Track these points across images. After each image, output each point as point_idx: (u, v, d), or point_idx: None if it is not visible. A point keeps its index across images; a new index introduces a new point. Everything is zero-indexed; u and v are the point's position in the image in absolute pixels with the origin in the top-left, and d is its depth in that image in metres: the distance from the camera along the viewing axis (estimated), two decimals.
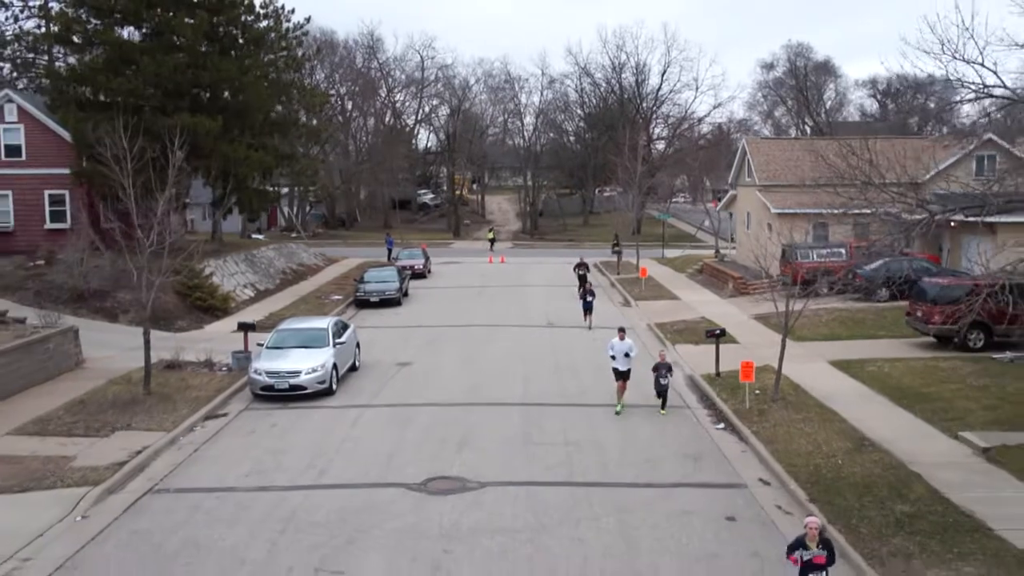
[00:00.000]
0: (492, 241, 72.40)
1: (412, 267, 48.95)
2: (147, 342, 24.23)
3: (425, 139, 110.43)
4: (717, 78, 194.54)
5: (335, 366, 24.89)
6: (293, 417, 22.65)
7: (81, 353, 27.89)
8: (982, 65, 18.22)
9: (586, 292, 36.25)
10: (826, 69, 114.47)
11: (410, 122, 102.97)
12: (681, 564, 13.97)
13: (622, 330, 24.19)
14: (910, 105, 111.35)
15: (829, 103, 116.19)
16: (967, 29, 24.26)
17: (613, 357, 23.16)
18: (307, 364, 24.13)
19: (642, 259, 51.38)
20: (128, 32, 41.44)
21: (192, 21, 38.70)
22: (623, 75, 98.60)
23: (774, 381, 23.54)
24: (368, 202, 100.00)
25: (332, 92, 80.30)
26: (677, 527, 15.32)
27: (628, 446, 19.86)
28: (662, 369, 22.81)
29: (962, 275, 33.49)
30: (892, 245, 21.45)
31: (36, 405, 22.86)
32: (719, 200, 68.87)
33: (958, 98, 25.94)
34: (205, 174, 41.27)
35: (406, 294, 43.18)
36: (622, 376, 22.99)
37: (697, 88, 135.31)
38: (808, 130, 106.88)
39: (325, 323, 26.91)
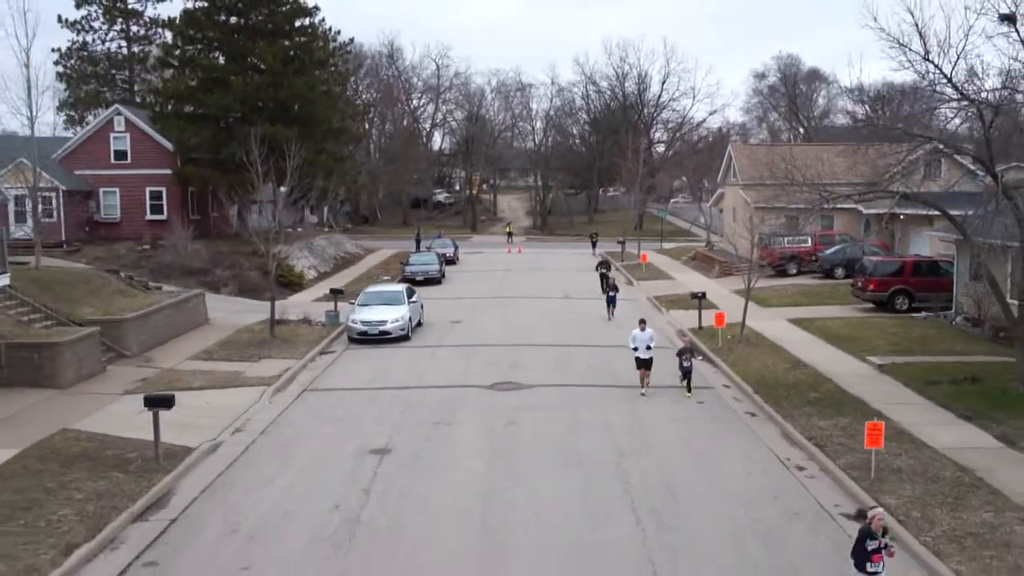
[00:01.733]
0: (509, 234, 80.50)
1: (444, 254, 57.00)
2: (272, 301, 32.48)
3: (440, 141, 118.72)
4: (712, 87, 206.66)
5: (410, 319, 33.03)
6: (385, 353, 30.78)
7: (207, 312, 35.96)
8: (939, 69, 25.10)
9: (609, 287, 38.65)
10: (817, 76, 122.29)
11: (426, 126, 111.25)
12: (669, 423, 21.94)
13: (643, 321, 25.87)
14: (897, 110, 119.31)
15: (820, 108, 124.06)
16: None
17: (635, 348, 24.65)
18: (391, 315, 32.30)
19: (643, 250, 59.46)
20: (212, 56, 49.63)
21: (272, 48, 46.91)
22: (626, 84, 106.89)
23: (739, 330, 31.61)
24: (386, 201, 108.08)
25: (358, 101, 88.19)
26: (666, 407, 23.32)
27: (632, 367, 27.84)
28: (686, 353, 24.76)
29: (898, 256, 41.56)
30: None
31: (194, 344, 30.99)
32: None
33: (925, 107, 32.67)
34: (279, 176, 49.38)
35: (443, 275, 51.27)
36: (644, 364, 24.57)
37: (694, 96, 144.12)
38: (802, 132, 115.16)
39: (401, 287, 35.22)
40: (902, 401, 23.00)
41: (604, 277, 43.18)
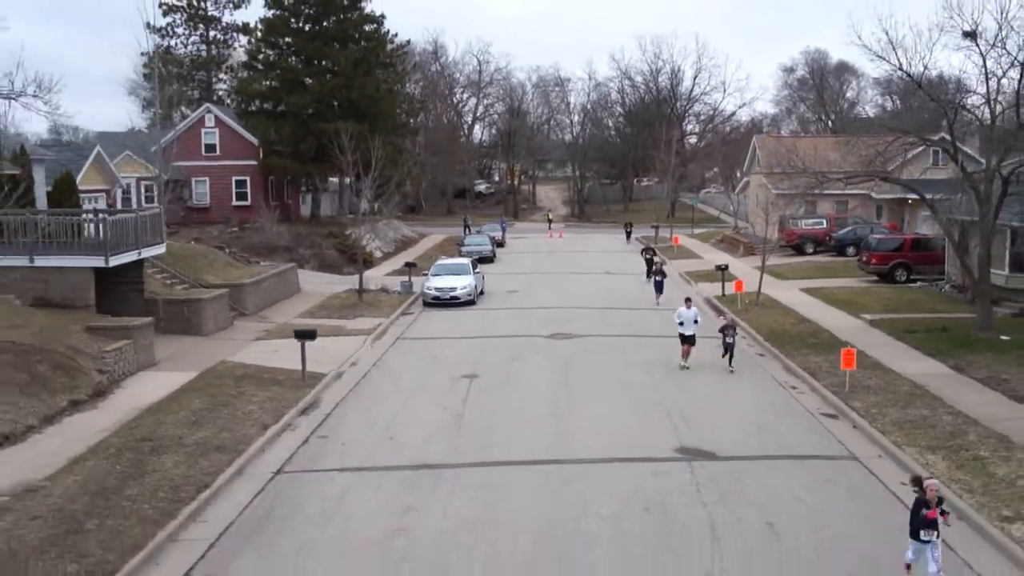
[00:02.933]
0: (550, 221, 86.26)
1: (494, 237, 62.75)
2: (361, 271, 38.51)
3: (481, 134, 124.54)
4: (742, 81, 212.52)
5: (475, 286, 38.87)
6: (456, 314, 36.68)
7: (299, 283, 42.00)
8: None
9: (656, 272, 39.98)
10: (846, 69, 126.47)
11: (468, 119, 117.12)
12: (694, 360, 27.50)
13: (688, 300, 27.35)
14: (921, 101, 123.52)
15: (848, 100, 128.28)
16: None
17: (681, 323, 26.05)
18: (460, 283, 38.19)
19: (675, 234, 64.96)
20: (291, 60, 55.82)
21: (344, 52, 52.98)
22: (659, 78, 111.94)
23: (756, 296, 37.10)
24: (430, 191, 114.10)
25: (412, 97, 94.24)
26: (694, 351, 28.86)
27: (666, 322, 33.40)
28: (728, 330, 26.00)
29: (899, 234, 46.73)
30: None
31: (297, 306, 37.04)
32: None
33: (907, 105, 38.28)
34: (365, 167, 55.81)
35: (495, 255, 57.05)
36: (688, 340, 25.97)
37: (725, 90, 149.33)
38: (830, 124, 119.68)
39: (467, 260, 41.09)
40: (882, 344, 28.46)
41: (650, 263, 44.55)
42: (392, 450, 19.08)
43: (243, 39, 62.15)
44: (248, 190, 54.90)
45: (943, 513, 12.25)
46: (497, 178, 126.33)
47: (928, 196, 31.48)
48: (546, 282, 46.05)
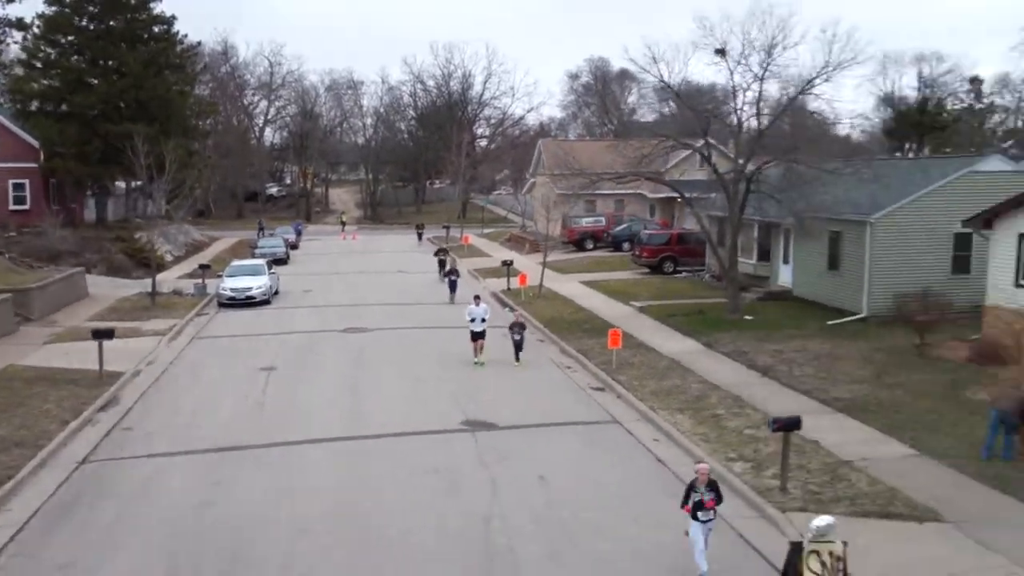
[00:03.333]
0: (343, 224, 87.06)
1: (288, 240, 63.17)
2: (153, 275, 38.47)
3: (272, 136, 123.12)
4: (530, 86, 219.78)
5: (270, 286, 39.68)
6: (253, 313, 37.41)
7: (87, 287, 41.32)
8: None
9: (450, 272, 41.30)
10: (627, 76, 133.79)
11: (259, 121, 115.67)
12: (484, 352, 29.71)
13: (477, 297, 28.67)
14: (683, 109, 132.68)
15: (629, 106, 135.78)
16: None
17: (472, 320, 27.09)
18: (255, 283, 38.91)
19: (465, 234, 67.51)
20: (75, 59, 54.15)
21: (133, 53, 52.04)
22: (451, 83, 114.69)
23: (538, 288, 39.95)
24: (218, 194, 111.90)
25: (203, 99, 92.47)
26: (486, 345, 31.09)
27: (457, 318, 35.41)
28: (516, 327, 27.25)
29: (667, 230, 51.13)
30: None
31: (87, 310, 36.64)
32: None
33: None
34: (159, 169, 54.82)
35: (289, 257, 57.59)
36: (479, 336, 27.03)
37: (513, 95, 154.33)
38: (612, 128, 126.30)
39: (261, 262, 41.74)
40: (647, 327, 31.78)
41: (443, 263, 45.77)
42: (197, 436, 20.13)
43: (17, 35, 59.40)
44: (27, 193, 52.75)
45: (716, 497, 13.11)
46: (289, 181, 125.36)
47: (687, 195, 35.19)
48: (340, 281, 47.29)
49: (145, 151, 39.55)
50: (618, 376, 24.77)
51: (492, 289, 43.30)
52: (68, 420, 20.93)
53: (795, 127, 35.26)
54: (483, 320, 27.07)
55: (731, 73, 32.70)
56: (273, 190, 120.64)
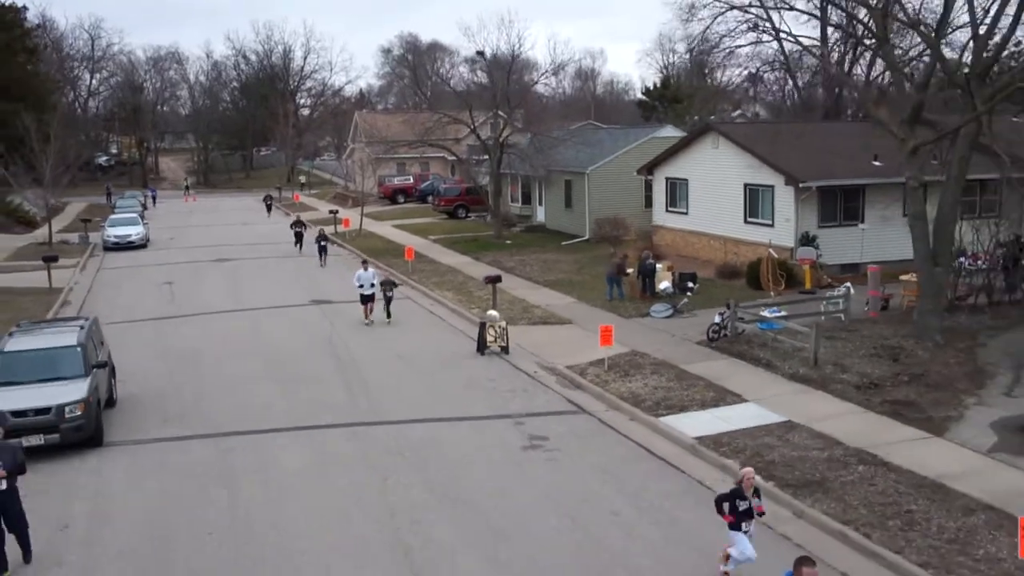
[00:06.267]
0: (187, 187, 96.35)
1: (142, 201, 72.55)
2: (50, 225, 48.21)
3: (96, 107, 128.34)
4: (347, 61, 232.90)
5: (145, 234, 50.33)
6: (136, 254, 48.12)
7: None
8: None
9: (320, 238, 42.60)
10: (439, 48, 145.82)
11: (83, 93, 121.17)
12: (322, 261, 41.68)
13: (365, 262, 31.49)
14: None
15: (443, 76, 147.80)
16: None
17: (360, 286, 28.94)
18: (134, 231, 49.61)
19: (296, 192, 78.63)
20: None
21: None
22: (272, 58, 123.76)
23: (359, 230, 52.17)
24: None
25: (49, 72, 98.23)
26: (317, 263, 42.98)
27: (301, 271, 46.94)
28: (387, 285, 29.59)
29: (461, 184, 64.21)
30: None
31: None
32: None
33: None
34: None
35: (144, 216, 67.24)
36: (368, 299, 28.85)
37: (332, 68, 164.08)
38: (426, 98, 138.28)
39: (135, 213, 52.19)
40: (437, 250, 44.84)
41: (299, 235, 47.15)
42: (139, 313, 31.66)
43: None
44: None
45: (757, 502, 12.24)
46: (115, 150, 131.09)
47: (462, 157, 48.17)
48: (197, 231, 57.93)
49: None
50: (412, 276, 37.50)
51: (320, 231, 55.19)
52: (46, 312, 31.88)
53: (533, 107, 48.82)
54: (372, 285, 28.94)
55: (488, 68, 45.74)
56: (102, 160, 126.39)
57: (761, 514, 12.31)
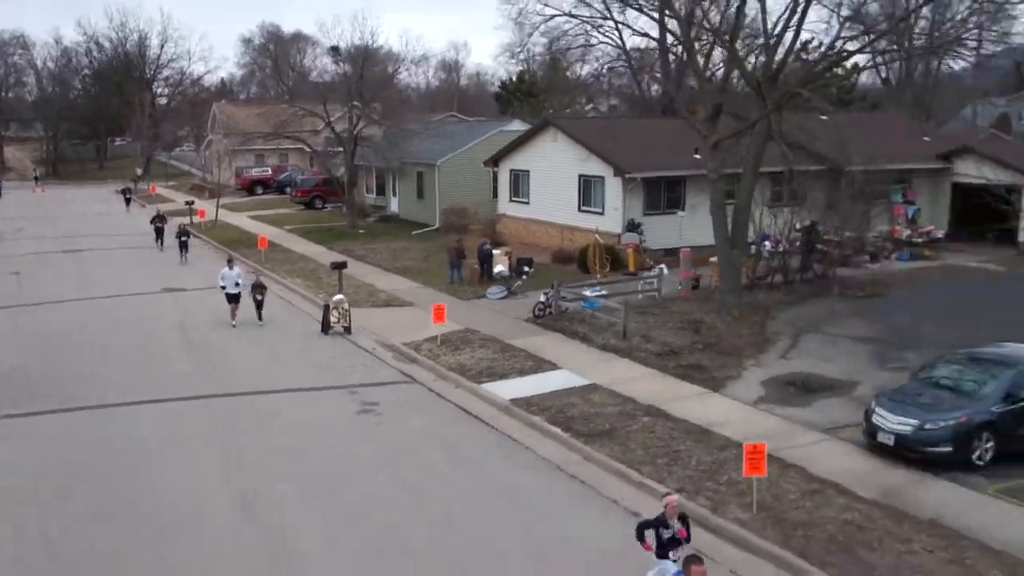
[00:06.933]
0: (36, 178, 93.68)
1: None
2: None
3: None
4: (206, 50, 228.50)
5: None
6: None
7: None
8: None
9: (180, 234, 41.50)
10: (301, 38, 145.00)
11: None
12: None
13: (231, 260, 29.67)
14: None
15: (304, 68, 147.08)
16: None
17: (224, 287, 27.94)
18: None
19: (153, 183, 77.85)
20: None
21: None
22: (127, 46, 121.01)
23: (214, 220, 52.76)
24: None
25: None
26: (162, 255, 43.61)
27: (156, 262, 47.37)
28: (257, 288, 28.30)
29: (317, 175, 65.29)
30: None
31: None
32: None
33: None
34: None
35: None
36: (234, 299, 27.77)
37: (190, 58, 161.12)
38: (288, 89, 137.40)
39: None
40: (292, 240, 46.09)
41: (159, 231, 45.62)
42: None
43: None
44: None
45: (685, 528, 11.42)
46: None
47: (317, 149, 49.41)
48: (47, 223, 57.21)
49: None
50: (265, 265, 38.72)
51: (179, 222, 55.56)
52: None
53: (391, 100, 50.53)
54: (236, 284, 27.92)
55: (343, 64, 47.22)
56: None
57: (687, 539, 11.40)
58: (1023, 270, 33.75)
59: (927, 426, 15.82)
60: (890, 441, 16.16)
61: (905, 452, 15.99)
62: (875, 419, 16.56)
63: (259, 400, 20.88)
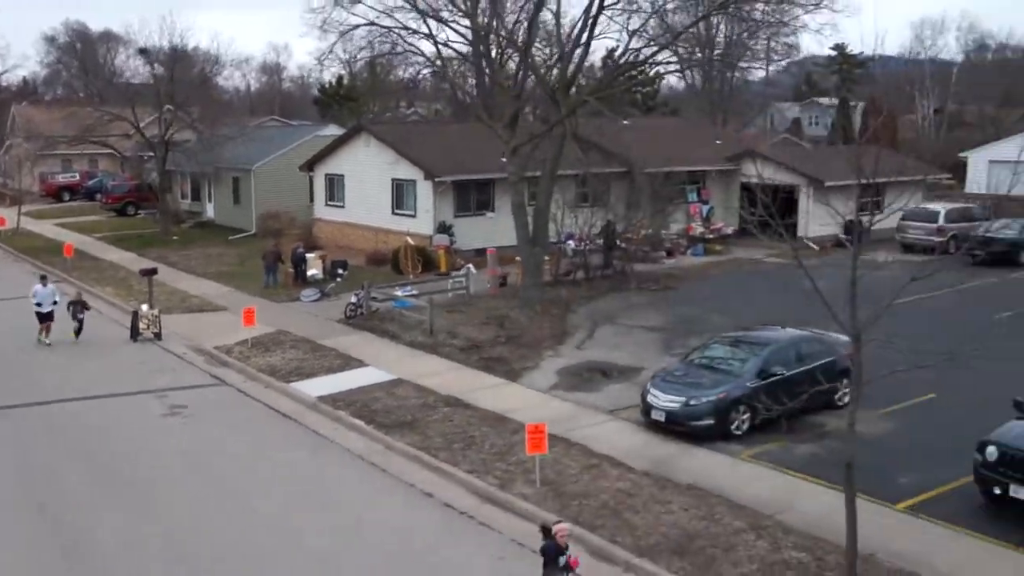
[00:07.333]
0: None
1: None
2: None
3: None
4: (3, 47, 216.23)
5: None
6: None
7: None
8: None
9: None
10: (111, 37, 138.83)
11: None
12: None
13: (44, 277, 28.14)
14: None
15: (115, 68, 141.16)
16: None
17: (39, 304, 26.09)
18: None
19: None
20: None
21: None
22: None
23: (15, 228, 50.61)
24: None
25: None
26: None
27: None
28: (78, 305, 26.85)
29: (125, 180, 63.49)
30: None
31: None
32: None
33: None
34: None
35: None
36: (47, 318, 26.16)
37: None
38: (97, 90, 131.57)
39: None
40: (100, 248, 44.88)
41: None
42: None
43: None
44: None
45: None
46: None
47: (126, 154, 48.26)
48: None
49: None
50: (72, 274, 37.66)
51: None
52: None
53: (207, 103, 49.91)
54: (54, 303, 26.49)
55: (152, 65, 46.33)
56: None
57: (575, 569, 11.26)
58: (802, 261, 36.92)
59: (691, 402, 17.63)
60: (661, 418, 17.91)
61: (674, 427, 17.77)
62: (649, 398, 18.28)
63: (62, 408, 20.75)
